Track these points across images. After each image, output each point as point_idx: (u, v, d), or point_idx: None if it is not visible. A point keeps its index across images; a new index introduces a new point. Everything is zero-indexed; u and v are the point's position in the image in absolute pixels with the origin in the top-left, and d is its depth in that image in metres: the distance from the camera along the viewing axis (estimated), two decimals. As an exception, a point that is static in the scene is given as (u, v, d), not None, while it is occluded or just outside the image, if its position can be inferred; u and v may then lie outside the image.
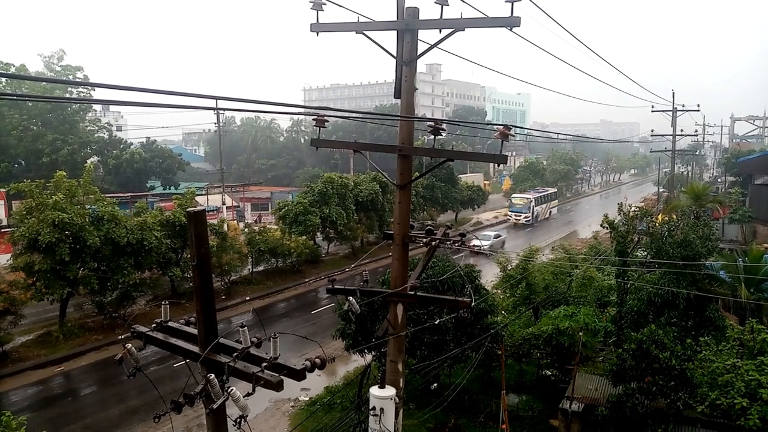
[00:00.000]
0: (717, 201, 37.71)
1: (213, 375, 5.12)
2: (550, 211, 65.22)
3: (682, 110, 41.62)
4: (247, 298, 31.01)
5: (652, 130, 44.55)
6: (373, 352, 16.02)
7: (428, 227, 9.61)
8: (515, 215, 58.40)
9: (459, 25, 7.96)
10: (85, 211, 23.71)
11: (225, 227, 32.13)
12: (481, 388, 18.81)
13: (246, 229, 35.64)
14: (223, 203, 47.20)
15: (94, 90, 50.72)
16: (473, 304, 9.17)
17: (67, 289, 23.37)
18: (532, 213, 58.55)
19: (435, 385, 17.78)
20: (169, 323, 6.16)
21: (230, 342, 5.62)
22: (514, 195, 61.95)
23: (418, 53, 8.53)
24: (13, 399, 19.43)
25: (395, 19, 8.32)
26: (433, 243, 9.29)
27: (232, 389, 5.08)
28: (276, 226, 37.41)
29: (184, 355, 5.73)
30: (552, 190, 69.66)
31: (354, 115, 16.94)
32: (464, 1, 8.15)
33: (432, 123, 8.30)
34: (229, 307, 29.39)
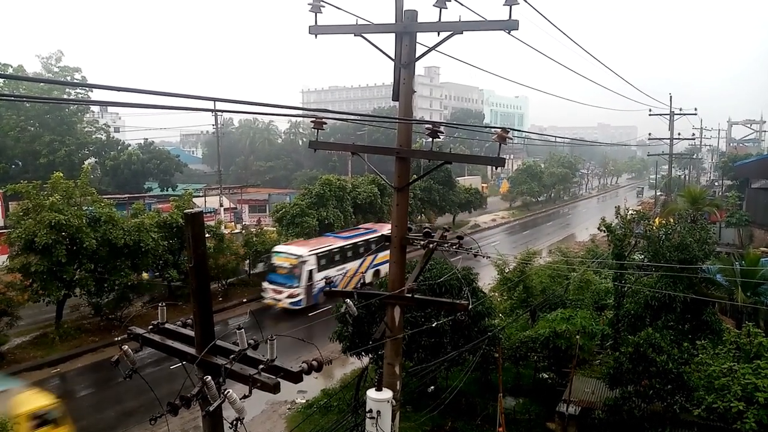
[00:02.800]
0: (714, 205, 37.86)
1: (210, 377, 5.11)
2: (362, 279, 26.86)
3: (680, 114, 41.78)
4: (244, 300, 30.95)
5: (649, 134, 44.71)
6: (370, 355, 16.00)
7: (426, 230, 9.62)
8: (273, 290, 29.03)
9: (457, 28, 7.98)
10: (82, 213, 23.66)
11: (223, 228, 32.10)
12: (478, 391, 18.80)
13: (242, 231, 35.62)
14: (221, 205, 47.19)
15: (91, 91, 50.70)
16: (470, 306, 9.17)
17: (63, 290, 23.31)
18: (309, 286, 29.11)
19: (432, 387, 17.78)
20: (166, 325, 6.15)
21: (227, 344, 5.62)
22: (277, 248, 30.73)
23: (417, 56, 8.55)
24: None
25: (394, 21, 8.34)
26: (431, 245, 9.30)
27: (228, 391, 5.08)
28: (273, 228, 37.40)
29: (181, 357, 5.72)
30: (380, 230, 35.18)
31: (352, 117, 16.96)
32: (462, 5, 8.17)
33: (430, 125, 8.31)
34: (226, 309, 29.32)
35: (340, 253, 31.79)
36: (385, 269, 30.97)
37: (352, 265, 31.73)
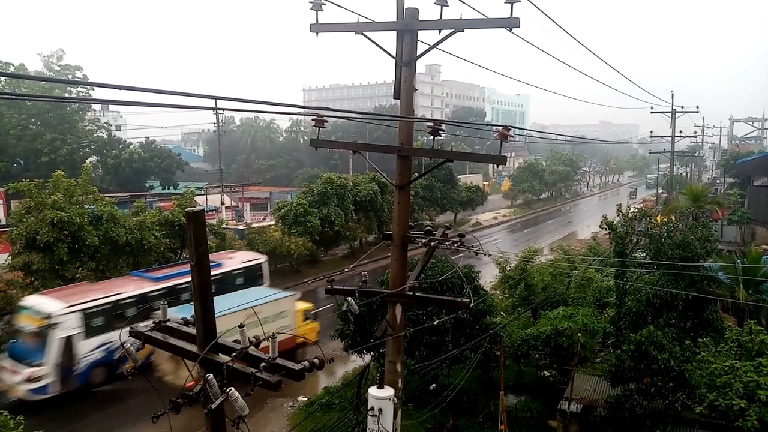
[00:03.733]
0: (716, 202, 37.74)
1: (211, 375, 5.12)
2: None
3: (681, 111, 41.68)
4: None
5: (651, 132, 44.64)
6: (371, 353, 16.02)
7: (427, 228, 9.62)
8: (8, 369, 18.67)
9: (458, 25, 7.97)
10: (84, 211, 23.71)
11: (224, 227, 32.11)
12: (480, 389, 18.81)
13: (243, 229, 35.63)
14: (222, 203, 47.21)
15: (93, 89, 50.87)
16: (472, 304, 9.18)
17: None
18: (65, 362, 18.85)
19: (434, 385, 17.76)
20: (168, 323, 6.16)
21: (229, 342, 5.62)
22: (25, 300, 20.15)
23: (418, 54, 8.54)
24: (11, 399, 19.38)
25: (395, 19, 8.33)
26: (432, 243, 9.30)
27: (230, 389, 5.09)
28: (271, 223, 37.33)
29: (183, 354, 5.73)
30: (229, 263, 25.20)
31: (353, 115, 16.96)
32: (464, 2, 8.15)
33: (431, 124, 8.31)
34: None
35: (142, 303, 20.17)
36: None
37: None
